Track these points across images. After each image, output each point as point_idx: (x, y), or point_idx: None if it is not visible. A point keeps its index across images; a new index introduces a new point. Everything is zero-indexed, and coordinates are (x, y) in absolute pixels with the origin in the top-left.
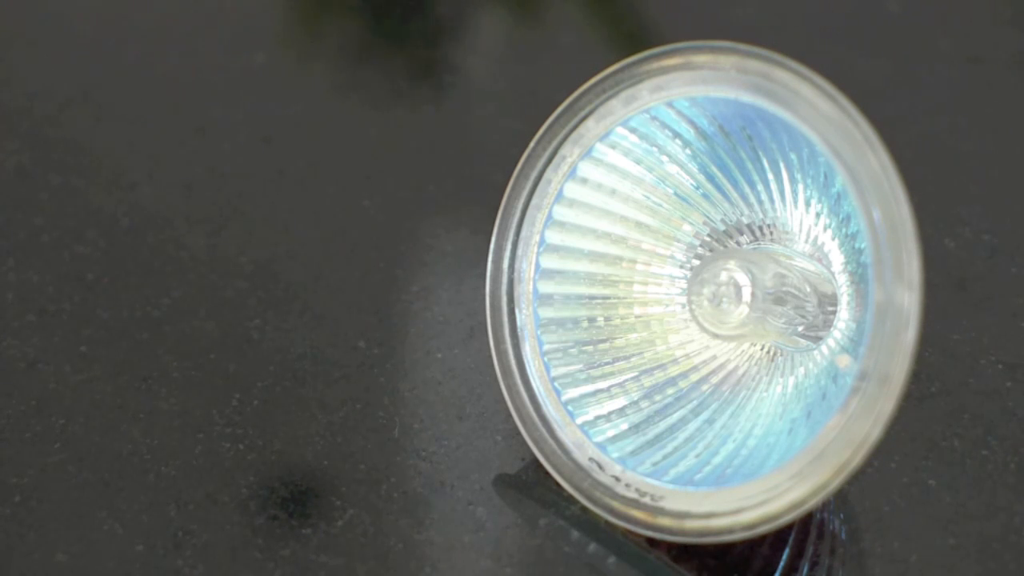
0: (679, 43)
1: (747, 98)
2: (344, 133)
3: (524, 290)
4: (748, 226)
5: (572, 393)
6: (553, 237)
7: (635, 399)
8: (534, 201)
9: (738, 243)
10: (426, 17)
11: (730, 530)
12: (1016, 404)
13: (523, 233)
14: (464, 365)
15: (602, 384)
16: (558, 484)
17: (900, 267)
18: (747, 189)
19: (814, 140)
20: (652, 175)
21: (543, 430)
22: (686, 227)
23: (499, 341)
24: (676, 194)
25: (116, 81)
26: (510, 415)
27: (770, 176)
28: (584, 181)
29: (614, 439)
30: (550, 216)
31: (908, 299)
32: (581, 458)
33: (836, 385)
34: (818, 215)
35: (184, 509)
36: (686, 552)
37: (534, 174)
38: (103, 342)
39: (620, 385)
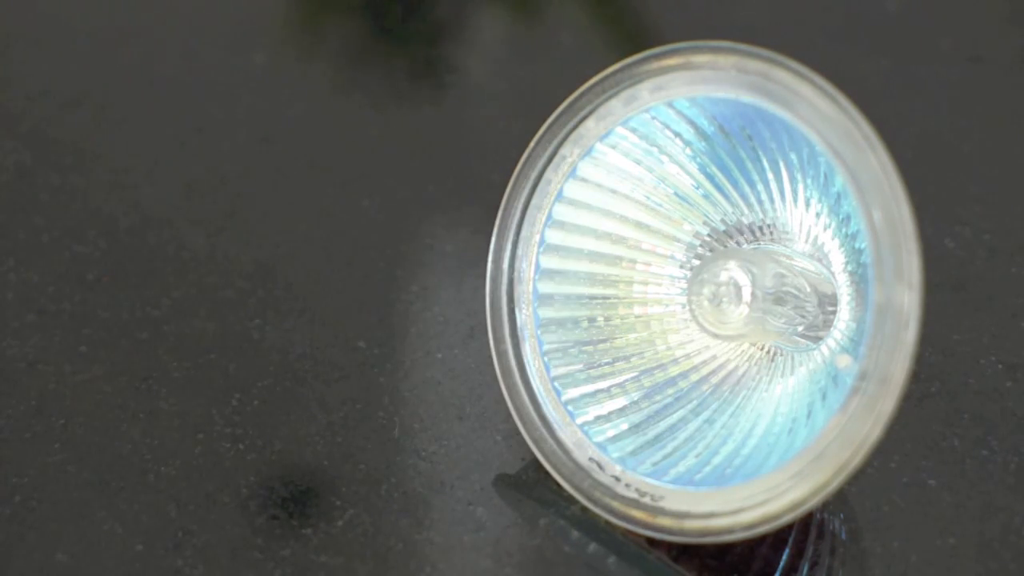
0: (679, 43)
1: (747, 98)
2: (344, 133)
3: (524, 290)
4: (748, 226)
5: (572, 393)
6: (553, 237)
7: (635, 399)
8: (534, 201)
9: (738, 243)
10: (426, 17)
11: (730, 530)
12: (1016, 404)
13: (523, 233)
14: (464, 365)
15: (602, 384)
16: (558, 484)
17: (900, 267)
18: (747, 189)
19: (814, 140)
20: (652, 175)
21: (543, 430)
22: (686, 227)
23: (499, 341)
24: (676, 194)
25: (116, 81)
26: (510, 415)
27: (770, 176)
28: (584, 181)
29: (614, 439)
30: (550, 216)
31: (908, 299)
32: (581, 458)
33: (836, 385)
34: (818, 215)
35: (184, 509)
36: (686, 552)
37: (534, 174)
38: (103, 342)
39: (620, 385)
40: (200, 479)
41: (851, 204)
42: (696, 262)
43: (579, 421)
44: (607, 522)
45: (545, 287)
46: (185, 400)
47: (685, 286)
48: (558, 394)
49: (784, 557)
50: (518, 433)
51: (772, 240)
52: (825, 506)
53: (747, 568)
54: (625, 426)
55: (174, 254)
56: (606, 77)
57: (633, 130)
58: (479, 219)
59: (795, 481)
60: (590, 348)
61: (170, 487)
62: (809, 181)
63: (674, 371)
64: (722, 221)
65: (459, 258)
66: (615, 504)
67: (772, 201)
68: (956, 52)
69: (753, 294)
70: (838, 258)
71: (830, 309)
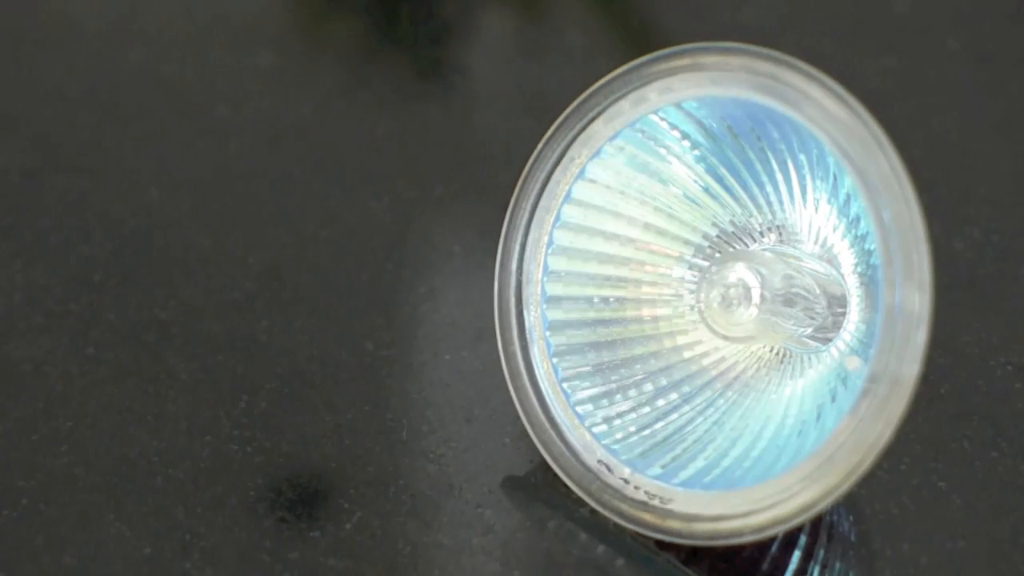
0: (688, 44)
1: (756, 99)
2: (351, 134)
3: (532, 292)
4: (757, 227)
5: (581, 395)
6: (562, 238)
7: (644, 401)
8: (543, 202)
9: (747, 245)
10: (433, 17)
11: (740, 533)
12: None
13: (532, 234)
14: (472, 367)
15: (611, 386)
16: (567, 487)
17: (910, 268)
18: (756, 190)
19: (823, 141)
20: (661, 176)
21: (552, 432)
22: (695, 228)
23: (507, 343)
24: (685, 195)
25: (123, 82)
26: (518, 417)
27: (779, 177)
28: (593, 182)
29: (623, 441)
30: (559, 217)
31: (918, 301)
32: (590, 460)
33: (846, 387)
34: (827, 216)
35: (192, 512)
36: (696, 555)
37: (543, 175)
38: (110, 344)
39: (629, 387)
40: (208, 482)
41: (860, 205)
42: (705, 264)
43: (588, 423)
44: (616, 525)
45: (554, 289)
46: (193, 402)
47: (694, 288)
48: (567, 396)
49: (794, 560)
50: (526, 435)
51: (781, 242)
52: (835, 508)
53: (757, 571)
54: (634, 428)
55: (181, 256)
56: (614, 78)
57: (642, 131)
58: (487, 220)
59: (805, 484)
60: (599, 350)
61: (178, 490)
62: (818, 182)
63: (683, 373)
64: (731, 223)
65: (467, 259)
66: (624, 507)
67: (781, 202)
68: (965, 52)
69: (762, 296)
70: (847, 259)
71: (839, 311)
